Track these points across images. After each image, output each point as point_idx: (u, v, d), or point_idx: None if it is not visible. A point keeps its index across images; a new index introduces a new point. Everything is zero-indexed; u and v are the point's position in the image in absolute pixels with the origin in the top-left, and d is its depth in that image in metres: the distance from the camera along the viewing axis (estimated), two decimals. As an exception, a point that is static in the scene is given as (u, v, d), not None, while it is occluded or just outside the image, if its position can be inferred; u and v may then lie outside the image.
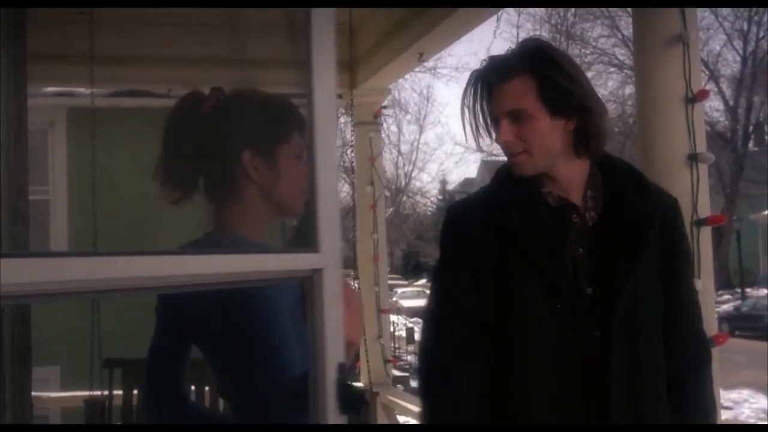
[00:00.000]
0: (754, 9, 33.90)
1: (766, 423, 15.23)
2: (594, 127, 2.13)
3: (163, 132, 2.01)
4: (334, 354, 1.46)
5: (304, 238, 1.48)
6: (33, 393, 3.59)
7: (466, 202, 2.39)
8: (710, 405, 2.25)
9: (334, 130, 1.59)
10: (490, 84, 2.15)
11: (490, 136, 2.19)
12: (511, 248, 2.15)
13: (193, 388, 5.49)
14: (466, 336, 2.18)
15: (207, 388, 5.40)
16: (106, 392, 5.28)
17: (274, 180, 1.98)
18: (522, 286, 2.14)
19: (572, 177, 2.17)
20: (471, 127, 2.18)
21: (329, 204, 1.49)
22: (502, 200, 2.20)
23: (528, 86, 2.08)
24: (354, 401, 1.47)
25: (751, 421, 16.13)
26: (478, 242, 2.19)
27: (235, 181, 1.98)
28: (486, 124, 2.18)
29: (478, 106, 2.16)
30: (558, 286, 2.12)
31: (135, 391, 5.40)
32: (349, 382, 1.48)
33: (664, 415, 2.16)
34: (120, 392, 5.40)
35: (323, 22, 1.58)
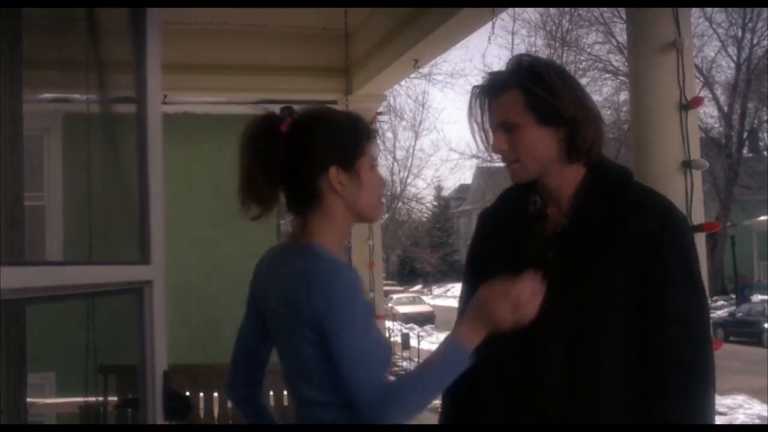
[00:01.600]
0: (748, 16, 34.01)
1: (765, 424, 15.24)
2: (580, 135, 2.21)
3: (242, 154, 2.12)
4: (161, 362, 1.47)
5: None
6: (28, 399, 3.59)
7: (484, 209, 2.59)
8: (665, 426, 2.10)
9: (161, 142, 1.61)
10: (486, 98, 2.28)
11: (489, 146, 2.32)
12: (490, 253, 2.37)
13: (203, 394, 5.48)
14: None
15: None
16: (100, 398, 5.27)
17: (357, 192, 2.14)
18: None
19: (563, 184, 2.26)
20: (480, 138, 2.33)
21: (159, 217, 1.50)
22: (492, 210, 2.42)
23: (516, 99, 2.20)
24: (179, 407, 1.50)
25: (746, 427, 16.15)
26: (474, 246, 2.47)
27: (322, 196, 2.12)
28: (486, 134, 2.31)
29: (480, 119, 2.30)
30: None
31: (129, 396, 5.40)
32: (175, 389, 1.52)
33: (614, 420, 2.14)
34: (115, 398, 5.40)
35: (155, 24, 1.59)
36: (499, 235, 2.36)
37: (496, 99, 2.25)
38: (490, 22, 4.39)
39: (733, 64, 36.14)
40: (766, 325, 25.61)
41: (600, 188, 2.24)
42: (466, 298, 2.39)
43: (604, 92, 35.54)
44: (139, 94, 1.62)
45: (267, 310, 2.17)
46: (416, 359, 24.04)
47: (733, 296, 33.79)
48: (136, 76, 1.68)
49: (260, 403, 2.33)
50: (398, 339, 27.16)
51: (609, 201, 2.21)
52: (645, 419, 2.11)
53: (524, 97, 2.19)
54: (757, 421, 16.52)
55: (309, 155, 2.11)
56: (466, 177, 61.20)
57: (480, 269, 2.36)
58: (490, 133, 2.29)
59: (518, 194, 2.35)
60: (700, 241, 2.60)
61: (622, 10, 2.77)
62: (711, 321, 2.24)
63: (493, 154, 2.34)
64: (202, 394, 5.49)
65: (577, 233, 2.22)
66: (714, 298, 30.87)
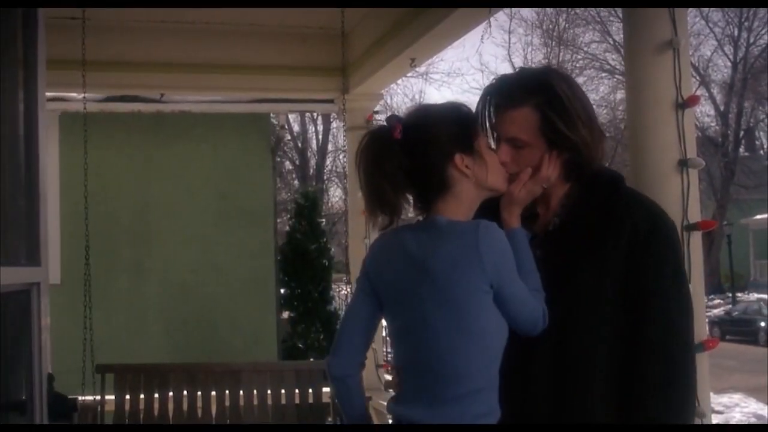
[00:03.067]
0: (745, 15, 34.04)
1: (765, 424, 15.24)
2: (585, 159, 2.25)
3: (366, 173, 2.27)
4: (46, 365, 1.46)
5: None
6: (24, 398, 3.58)
7: None
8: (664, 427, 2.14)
9: (45, 140, 1.60)
10: (497, 104, 2.29)
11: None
12: None
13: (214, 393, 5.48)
14: None
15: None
16: (98, 397, 5.27)
17: (484, 171, 2.21)
18: None
19: (555, 190, 2.31)
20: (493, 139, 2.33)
21: (48, 218, 1.48)
22: (482, 209, 2.38)
23: (530, 119, 2.22)
24: (64, 409, 1.50)
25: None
26: None
27: (453, 183, 2.20)
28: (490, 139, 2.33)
29: (487, 125, 2.31)
30: None
31: (127, 396, 5.40)
32: (59, 391, 1.51)
33: (597, 418, 2.17)
34: (112, 397, 5.40)
35: (42, 23, 1.59)
36: None
37: (509, 112, 2.25)
38: (487, 21, 4.39)
39: (729, 63, 36.21)
40: (762, 324, 25.63)
41: (591, 190, 2.28)
42: None
43: (600, 91, 35.56)
44: (27, 92, 1.62)
45: (392, 287, 2.25)
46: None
47: (730, 295, 33.83)
48: (25, 74, 1.67)
49: (360, 383, 2.38)
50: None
51: (600, 202, 2.25)
52: (629, 412, 2.15)
53: (539, 119, 2.21)
54: (753, 420, 16.53)
55: (431, 151, 2.19)
56: (463, 176, 61.06)
57: None
58: (494, 142, 2.30)
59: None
60: (697, 240, 2.60)
61: (619, 9, 2.77)
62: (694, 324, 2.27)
63: None
64: (199, 393, 5.48)
65: (567, 232, 2.26)
66: (710, 296, 30.90)
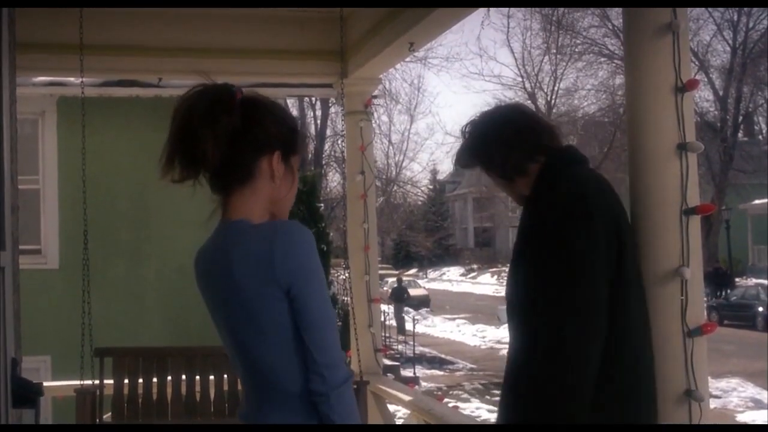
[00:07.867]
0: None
1: (766, 423, 15.27)
2: (528, 175, 2.54)
3: (180, 114, 2.11)
4: (9, 349, 1.44)
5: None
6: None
7: None
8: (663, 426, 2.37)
9: (9, 125, 1.58)
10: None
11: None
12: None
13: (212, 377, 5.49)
14: None
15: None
16: (96, 381, 5.28)
17: (286, 185, 2.15)
18: None
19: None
20: None
21: (9, 204, 1.47)
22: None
23: (484, 170, 2.67)
24: (28, 395, 1.48)
25: (739, 410, 16.24)
26: None
27: (257, 177, 2.11)
28: None
29: None
30: None
31: (126, 380, 5.41)
32: (23, 376, 1.49)
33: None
34: (110, 381, 5.41)
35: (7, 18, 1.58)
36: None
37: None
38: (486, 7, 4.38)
39: (728, 48, 36.16)
40: (760, 309, 25.73)
41: (542, 177, 2.52)
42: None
43: (599, 76, 35.58)
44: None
45: (207, 294, 2.22)
46: (411, 343, 24.12)
47: (728, 280, 33.86)
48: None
49: None
50: (393, 323, 27.24)
51: (540, 196, 2.47)
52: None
53: (485, 169, 2.66)
54: (750, 404, 16.62)
55: (262, 129, 2.10)
56: (462, 161, 61.10)
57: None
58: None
59: None
60: (695, 224, 2.60)
61: (618, -6, 2.77)
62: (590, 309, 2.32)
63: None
64: (198, 377, 5.49)
65: (522, 218, 2.53)
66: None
